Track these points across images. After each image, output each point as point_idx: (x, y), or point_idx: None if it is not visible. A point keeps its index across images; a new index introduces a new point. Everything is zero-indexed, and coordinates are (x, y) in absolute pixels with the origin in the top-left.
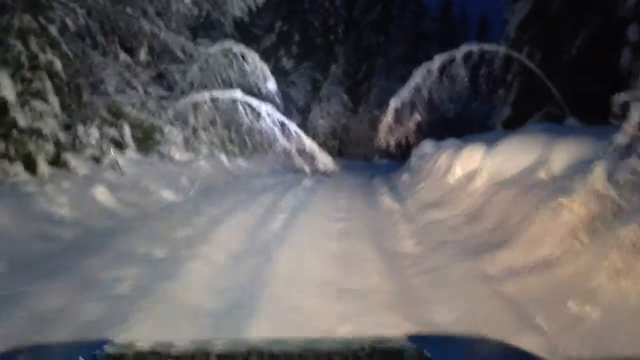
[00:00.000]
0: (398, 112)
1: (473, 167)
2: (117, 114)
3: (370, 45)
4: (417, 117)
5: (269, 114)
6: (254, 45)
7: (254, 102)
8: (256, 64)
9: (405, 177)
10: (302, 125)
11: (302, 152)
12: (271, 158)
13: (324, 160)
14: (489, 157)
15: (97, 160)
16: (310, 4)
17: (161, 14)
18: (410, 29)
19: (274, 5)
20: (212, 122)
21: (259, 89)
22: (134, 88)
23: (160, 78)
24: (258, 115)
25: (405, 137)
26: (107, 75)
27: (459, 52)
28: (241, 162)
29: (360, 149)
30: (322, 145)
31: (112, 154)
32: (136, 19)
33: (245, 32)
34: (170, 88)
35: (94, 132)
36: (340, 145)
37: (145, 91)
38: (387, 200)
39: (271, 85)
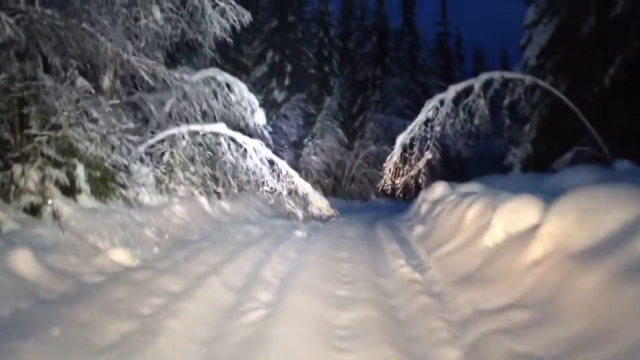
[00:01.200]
0: (405, 150)
1: (523, 226)
2: (68, 152)
3: (366, 78)
4: (428, 155)
5: (257, 151)
6: (243, 76)
7: (240, 137)
8: (243, 95)
9: (419, 229)
10: (295, 162)
11: (294, 193)
12: (259, 200)
13: (319, 203)
14: (552, 216)
15: (35, 210)
16: (304, 34)
17: (129, 31)
18: (406, 61)
19: (265, 34)
20: (192, 160)
21: (246, 123)
22: (93, 120)
23: (134, 109)
24: (244, 152)
25: (414, 179)
26: (60, 104)
27: (478, 81)
28: (225, 205)
29: (356, 187)
30: (316, 183)
31: (52, 202)
32: (93, 37)
33: (235, 62)
34: (146, 120)
35: (34, 175)
36: (335, 183)
37: (108, 123)
38: (402, 266)
39: (260, 118)
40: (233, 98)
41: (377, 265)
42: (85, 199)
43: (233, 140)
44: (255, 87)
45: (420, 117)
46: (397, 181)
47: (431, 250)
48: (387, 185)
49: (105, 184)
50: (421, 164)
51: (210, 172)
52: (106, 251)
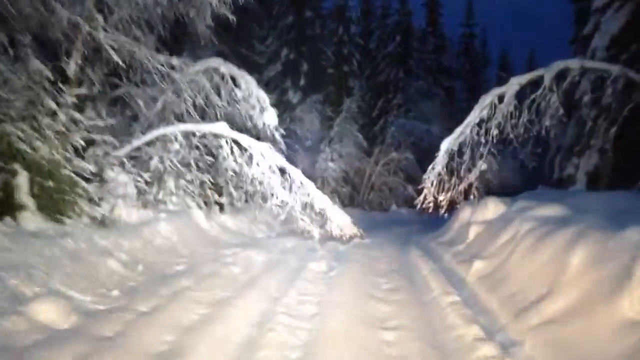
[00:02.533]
0: (453, 159)
1: None
2: (7, 154)
3: (388, 80)
4: (482, 165)
5: (265, 157)
6: (255, 75)
7: (244, 139)
8: (251, 90)
9: (478, 265)
10: (310, 168)
11: (309, 207)
12: (268, 213)
13: (340, 221)
14: None
15: None
16: (322, 30)
17: (101, 2)
18: (431, 63)
19: (280, 31)
20: (187, 166)
21: (253, 123)
22: (50, 114)
23: (123, 105)
24: (250, 157)
25: (464, 194)
26: (7, 92)
27: (549, 71)
28: (226, 220)
29: (375, 196)
30: (333, 192)
31: None
32: (45, 3)
33: (246, 59)
34: (135, 118)
35: None
36: (352, 192)
37: (70, 119)
38: (481, 342)
39: (270, 118)
40: (239, 94)
41: (440, 338)
42: (29, 218)
43: (236, 143)
44: (268, 88)
45: (472, 117)
46: (441, 197)
47: (517, 310)
48: (428, 203)
49: (62, 197)
50: (473, 175)
51: (211, 180)
52: (31, 302)
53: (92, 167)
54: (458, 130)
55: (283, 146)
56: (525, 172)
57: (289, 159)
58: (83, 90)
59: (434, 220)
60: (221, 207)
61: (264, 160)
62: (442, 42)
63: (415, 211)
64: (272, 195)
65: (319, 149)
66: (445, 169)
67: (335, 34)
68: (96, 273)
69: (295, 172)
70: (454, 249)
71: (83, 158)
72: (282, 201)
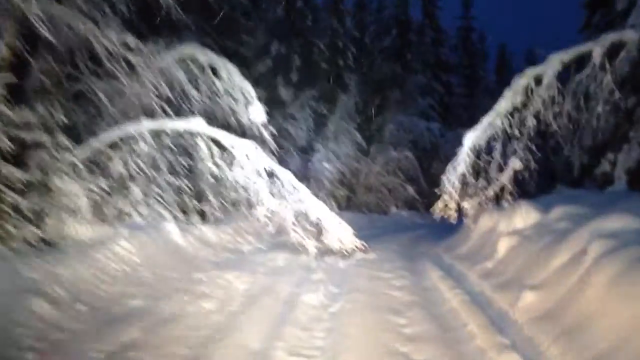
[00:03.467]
0: (479, 156)
1: None
2: None
3: (385, 75)
4: (516, 163)
5: (250, 158)
6: (243, 71)
7: (226, 137)
8: (234, 81)
9: (528, 298)
10: (303, 170)
11: (303, 216)
12: (255, 223)
13: (339, 232)
14: None
15: None
16: (315, 23)
17: None
18: (430, 57)
19: (270, 23)
20: (157, 170)
21: (237, 119)
22: None
23: (86, 101)
24: (232, 158)
25: (495, 199)
26: None
27: (599, 46)
28: (206, 232)
29: (373, 198)
30: (329, 195)
31: None
32: None
33: (234, 54)
34: (99, 113)
35: None
36: (349, 194)
37: None
38: None
39: (257, 113)
40: (220, 86)
41: None
42: None
43: (216, 142)
44: (258, 84)
45: (503, 105)
46: (465, 204)
47: None
48: (450, 209)
49: None
50: (506, 176)
51: (189, 186)
52: None
53: (29, 176)
54: (485, 121)
55: (274, 146)
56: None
57: (281, 160)
58: (12, 79)
59: (440, 225)
60: (203, 216)
61: (249, 162)
62: (440, 35)
63: (417, 213)
64: (259, 202)
65: (314, 148)
66: (470, 169)
67: (329, 26)
68: (7, 322)
69: (286, 176)
70: (480, 266)
71: (17, 164)
72: (271, 209)
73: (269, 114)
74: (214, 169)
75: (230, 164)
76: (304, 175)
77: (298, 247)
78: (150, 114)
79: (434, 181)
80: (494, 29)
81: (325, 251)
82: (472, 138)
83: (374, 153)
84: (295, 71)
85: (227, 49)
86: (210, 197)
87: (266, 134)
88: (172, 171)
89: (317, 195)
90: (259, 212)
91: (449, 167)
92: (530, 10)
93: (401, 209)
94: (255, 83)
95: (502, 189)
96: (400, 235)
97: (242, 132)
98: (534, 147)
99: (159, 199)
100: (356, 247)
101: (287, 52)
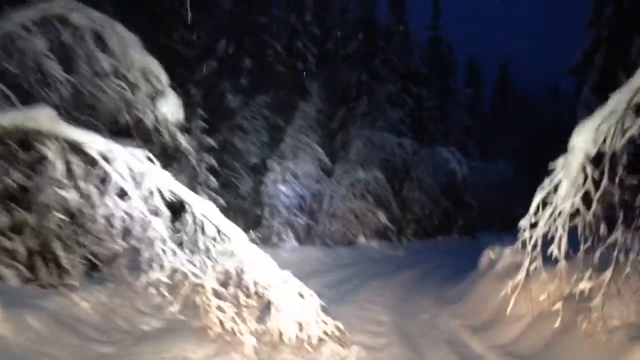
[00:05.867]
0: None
1: None
2: None
3: (349, 84)
4: None
5: (136, 178)
6: (183, 72)
7: (96, 142)
8: (131, 57)
9: None
10: (254, 194)
11: (234, 282)
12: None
13: (299, 311)
14: None
15: None
16: (269, 18)
17: None
18: (399, 65)
19: (216, 18)
20: None
21: (136, 117)
22: None
23: None
24: (108, 180)
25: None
26: None
27: None
28: (61, 311)
29: (338, 226)
30: (285, 224)
31: None
32: None
33: (172, 54)
34: None
35: None
36: (310, 222)
37: None
38: None
39: (172, 109)
40: (105, 63)
41: None
42: None
43: (76, 149)
44: (201, 89)
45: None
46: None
47: None
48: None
49: None
50: None
51: (31, 225)
52: None
53: None
54: (605, 108)
55: (205, 163)
56: (507, 187)
57: (226, 182)
58: None
59: (416, 259)
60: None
61: (134, 186)
62: (408, 42)
63: (389, 244)
64: (154, 259)
65: (267, 167)
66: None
67: (287, 22)
68: None
69: (207, 212)
70: None
71: None
72: (175, 270)
73: (212, 124)
74: (73, 195)
75: (103, 189)
76: (255, 201)
77: (225, 338)
78: None
79: (407, 206)
80: (462, 40)
81: (273, 346)
82: (588, 135)
83: (339, 173)
84: (246, 74)
85: (163, 47)
86: (59, 252)
87: (183, 141)
88: None
89: (270, 231)
90: (153, 277)
91: (537, 195)
92: (501, 21)
93: (370, 239)
94: (197, 88)
95: None
96: (376, 280)
97: (141, 136)
98: None
99: None
100: (326, 333)
101: (235, 51)
